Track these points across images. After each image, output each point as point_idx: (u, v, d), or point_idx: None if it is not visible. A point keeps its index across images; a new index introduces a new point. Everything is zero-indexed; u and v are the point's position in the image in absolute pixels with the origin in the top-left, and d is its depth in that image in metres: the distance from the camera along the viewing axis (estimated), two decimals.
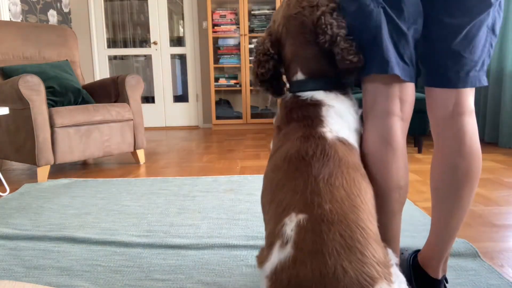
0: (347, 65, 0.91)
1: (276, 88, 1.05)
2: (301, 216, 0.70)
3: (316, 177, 0.76)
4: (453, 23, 0.90)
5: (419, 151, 3.28)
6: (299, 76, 0.97)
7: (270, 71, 1.01)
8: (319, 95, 0.93)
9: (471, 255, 1.37)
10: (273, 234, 0.73)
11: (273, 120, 1.00)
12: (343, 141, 0.85)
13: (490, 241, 1.51)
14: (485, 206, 1.92)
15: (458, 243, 1.45)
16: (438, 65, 0.95)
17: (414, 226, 1.66)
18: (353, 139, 0.90)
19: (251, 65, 4.98)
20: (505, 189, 2.20)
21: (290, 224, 0.70)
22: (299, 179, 0.77)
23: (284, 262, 0.67)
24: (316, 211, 0.70)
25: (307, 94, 0.94)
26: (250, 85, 5.07)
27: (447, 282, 1.10)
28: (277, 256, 0.69)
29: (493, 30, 0.93)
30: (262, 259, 0.72)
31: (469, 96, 0.97)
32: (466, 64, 0.93)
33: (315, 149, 0.81)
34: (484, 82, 0.96)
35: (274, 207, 0.77)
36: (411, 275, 1.11)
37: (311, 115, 0.90)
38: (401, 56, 0.91)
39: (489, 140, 3.60)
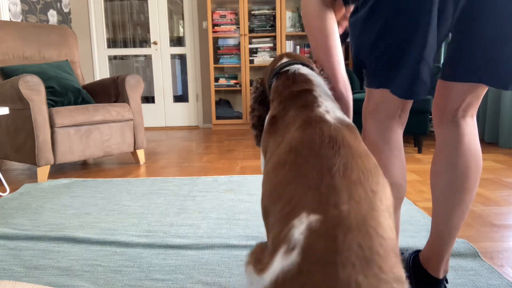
0: None
1: None
2: (314, 218, 0.59)
3: (330, 169, 0.64)
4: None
5: (419, 151, 3.27)
6: (284, 60, 1.01)
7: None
8: (304, 69, 0.93)
9: (471, 255, 1.37)
10: (278, 238, 0.62)
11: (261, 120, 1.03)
12: (343, 123, 0.77)
13: (490, 241, 1.51)
14: (485, 206, 1.92)
15: (458, 243, 1.45)
16: (480, 58, 0.89)
17: (414, 226, 1.66)
18: (347, 118, 0.83)
19: (251, 65, 4.99)
20: (505, 189, 2.20)
21: (300, 227, 0.59)
22: (310, 172, 0.65)
23: (287, 271, 0.57)
24: (331, 213, 0.59)
25: (292, 67, 0.94)
26: (250, 85, 5.07)
27: (447, 282, 1.10)
28: (279, 264, 0.58)
29: None
30: (261, 266, 0.62)
31: (478, 99, 0.97)
32: (506, 63, 0.87)
33: (321, 136, 0.71)
34: None
35: (279, 208, 0.66)
36: (411, 275, 1.11)
37: (303, 89, 0.86)
38: (430, 68, 0.88)
39: (489, 140, 3.60)
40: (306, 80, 0.91)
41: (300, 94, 0.85)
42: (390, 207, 0.66)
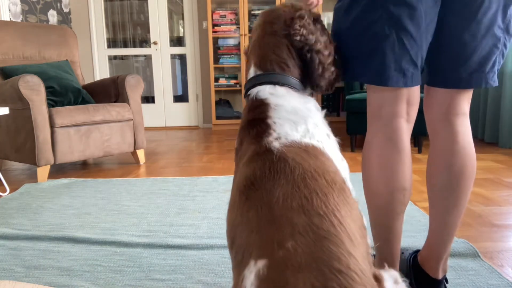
0: (328, 77, 0.86)
1: None
2: (261, 264, 0.53)
3: (269, 203, 0.59)
4: (460, 25, 0.87)
5: (419, 151, 3.27)
6: (252, 72, 0.87)
7: None
8: (265, 91, 0.81)
9: (471, 255, 1.37)
10: None
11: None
12: (294, 146, 0.69)
13: (490, 241, 1.51)
14: (485, 206, 1.92)
15: (458, 243, 1.45)
16: (442, 65, 0.92)
17: (414, 226, 1.66)
18: (314, 135, 0.74)
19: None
20: (505, 189, 2.20)
21: (250, 277, 0.53)
22: (251, 212, 0.60)
23: None
24: (277, 254, 0.52)
25: (253, 91, 0.82)
26: None
27: (447, 282, 1.10)
28: None
29: (507, 29, 0.89)
30: None
31: (466, 97, 0.97)
32: (469, 66, 0.90)
33: (262, 167, 0.65)
34: (494, 82, 0.94)
35: (234, 254, 0.61)
36: (411, 275, 1.11)
37: (257, 118, 0.77)
38: (413, 61, 0.88)
39: (489, 140, 3.60)
40: (261, 105, 0.80)
41: (254, 124, 0.77)
42: (353, 229, 0.58)
